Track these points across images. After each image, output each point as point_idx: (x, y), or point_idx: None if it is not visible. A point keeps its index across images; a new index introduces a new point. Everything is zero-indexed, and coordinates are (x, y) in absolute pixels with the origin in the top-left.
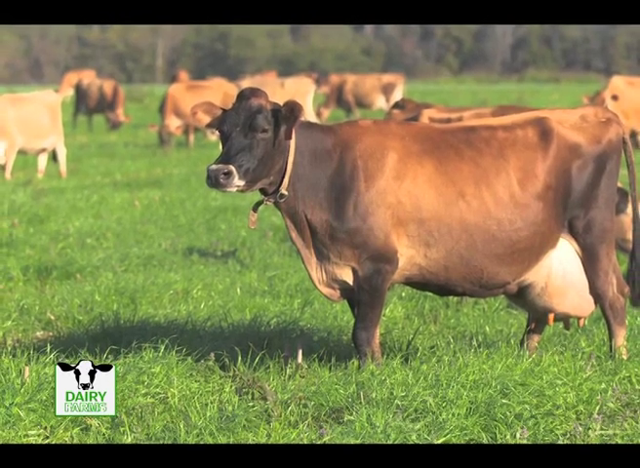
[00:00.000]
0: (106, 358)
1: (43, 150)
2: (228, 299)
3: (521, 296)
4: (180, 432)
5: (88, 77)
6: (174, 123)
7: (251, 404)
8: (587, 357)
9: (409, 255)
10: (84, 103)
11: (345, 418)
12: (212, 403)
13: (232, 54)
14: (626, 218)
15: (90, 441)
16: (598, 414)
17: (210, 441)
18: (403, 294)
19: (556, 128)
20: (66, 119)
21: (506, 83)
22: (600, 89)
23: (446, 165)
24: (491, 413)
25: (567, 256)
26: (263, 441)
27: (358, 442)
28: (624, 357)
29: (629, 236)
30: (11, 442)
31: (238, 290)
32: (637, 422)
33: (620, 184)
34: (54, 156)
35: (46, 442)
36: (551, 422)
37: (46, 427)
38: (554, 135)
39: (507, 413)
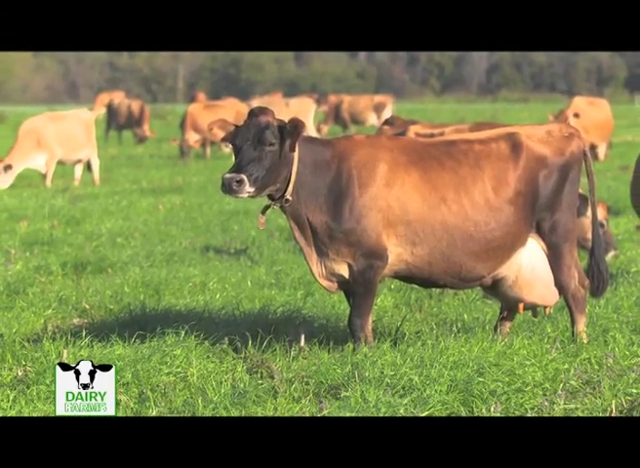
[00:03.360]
0: (134, 342)
1: (79, 161)
2: (240, 291)
3: (495, 288)
4: (199, 406)
5: (118, 97)
6: (193, 137)
7: (260, 382)
8: (552, 341)
9: (397, 253)
10: (115, 120)
11: (342, 394)
12: (226, 381)
13: (244, 77)
14: (586, 220)
15: (119, 414)
16: (562, 391)
17: (224, 414)
18: (392, 286)
19: (525, 141)
20: (99, 134)
21: (482, 103)
22: (564, 108)
23: (429, 174)
24: (468, 390)
25: (535, 253)
26: (271, 414)
27: (353, 415)
28: (585, 341)
29: (589, 236)
30: (50, 415)
31: (249, 282)
32: (596, 398)
33: (580, 191)
34: (88, 166)
35: None
36: (521, 398)
37: None
38: (524, 147)
39: (483, 390)
